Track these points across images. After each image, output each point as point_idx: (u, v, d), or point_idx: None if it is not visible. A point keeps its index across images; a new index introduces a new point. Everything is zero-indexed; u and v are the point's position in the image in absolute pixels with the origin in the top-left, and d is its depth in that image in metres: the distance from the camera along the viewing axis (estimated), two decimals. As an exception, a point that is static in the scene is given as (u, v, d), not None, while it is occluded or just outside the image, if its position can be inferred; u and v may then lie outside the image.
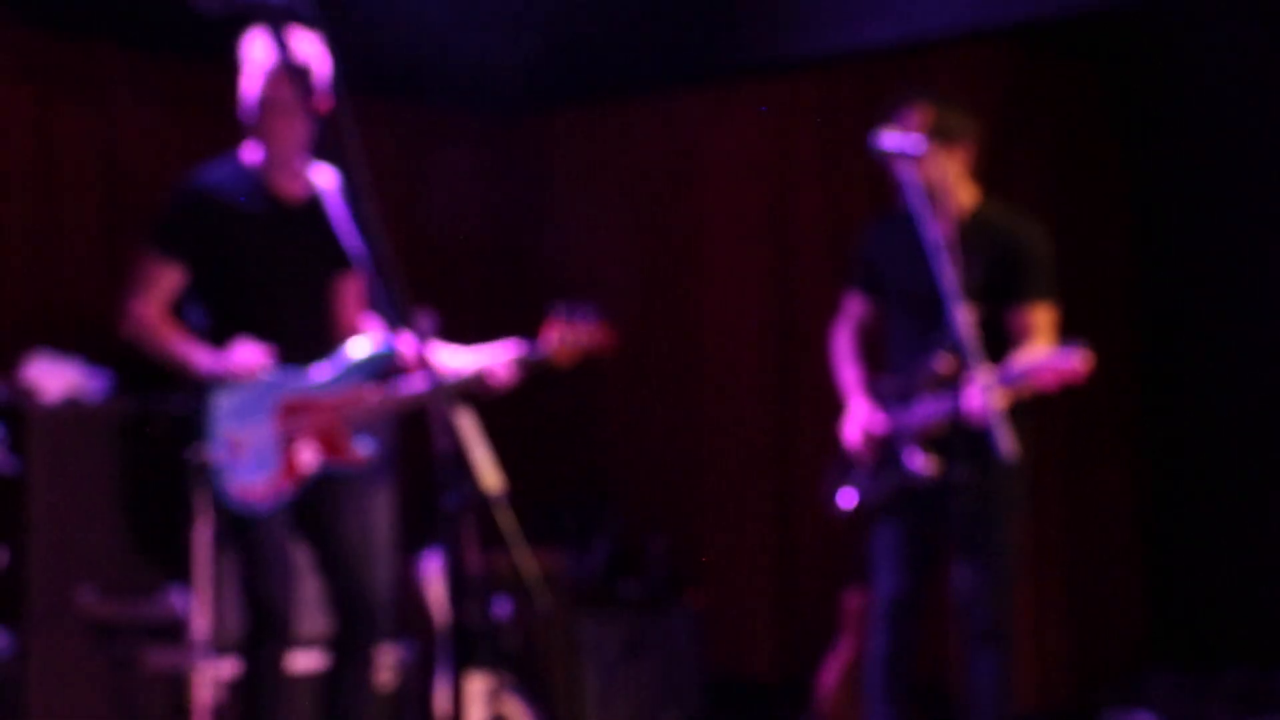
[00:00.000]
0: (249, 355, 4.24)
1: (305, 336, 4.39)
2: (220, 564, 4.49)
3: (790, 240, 6.49)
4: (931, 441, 4.56)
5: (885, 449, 4.69)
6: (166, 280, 4.34)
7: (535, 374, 4.51)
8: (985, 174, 4.80)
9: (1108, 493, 6.30)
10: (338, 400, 4.35)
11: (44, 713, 4.85)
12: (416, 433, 4.77)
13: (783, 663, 6.39)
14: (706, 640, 6.32)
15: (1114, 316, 6.23)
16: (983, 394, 4.15)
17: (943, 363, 4.45)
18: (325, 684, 4.46)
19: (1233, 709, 5.71)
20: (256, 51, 4.24)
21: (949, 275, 4.17)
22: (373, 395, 4.36)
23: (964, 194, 4.70)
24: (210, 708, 4.64)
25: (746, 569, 6.53)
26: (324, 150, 4.33)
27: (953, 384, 4.37)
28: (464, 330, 4.99)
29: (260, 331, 4.30)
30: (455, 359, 4.40)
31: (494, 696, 4.83)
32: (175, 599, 4.97)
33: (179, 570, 4.67)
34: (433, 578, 5.35)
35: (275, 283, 4.37)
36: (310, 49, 4.12)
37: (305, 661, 5.04)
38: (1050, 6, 5.76)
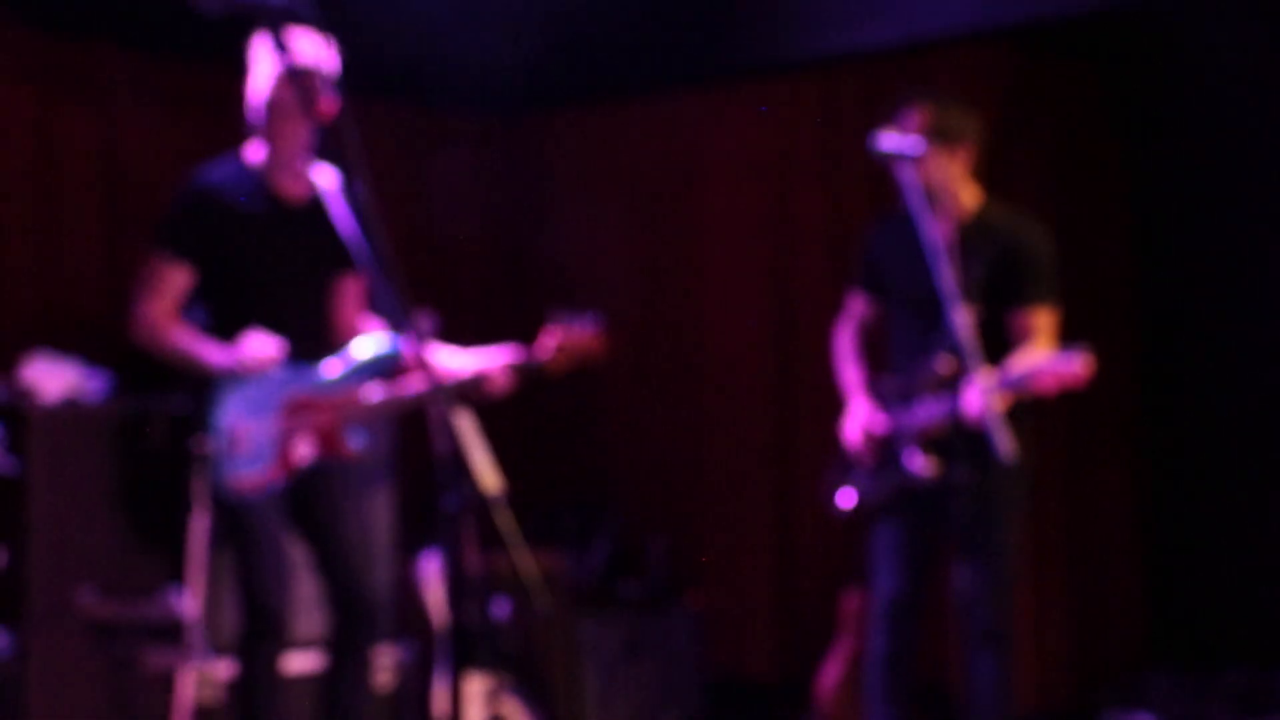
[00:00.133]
0: (261, 347, 4.25)
1: (306, 337, 4.39)
2: (217, 563, 4.50)
3: (790, 240, 6.48)
4: (932, 442, 4.56)
5: (885, 449, 4.69)
6: (176, 281, 4.33)
7: (532, 379, 4.52)
8: (985, 174, 4.80)
9: (1108, 493, 6.30)
10: (342, 399, 4.35)
11: (44, 713, 4.84)
12: (416, 433, 4.77)
13: (783, 663, 6.39)
14: (706, 640, 6.32)
15: (1114, 317, 6.22)
16: (981, 396, 4.14)
17: (943, 364, 4.44)
18: (324, 684, 4.46)
19: (1233, 709, 5.70)
20: (264, 54, 4.25)
21: (949, 276, 4.16)
22: (375, 395, 4.36)
23: (965, 195, 4.69)
24: (193, 706, 4.64)
25: (746, 569, 6.53)
26: (325, 150, 4.34)
27: (953, 385, 4.37)
28: (463, 330, 4.99)
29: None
30: (454, 360, 4.40)
31: (493, 697, 4.84)
32: (174, 599, 4.97)
33: (178, 570, 4.67)
34: (432, 578, 5.35)
35: (276, 283, 4.37)
36: (316, 51, 4.12)
37: (304, 662, 5.04)
38: (1050, 7, 5.76)
